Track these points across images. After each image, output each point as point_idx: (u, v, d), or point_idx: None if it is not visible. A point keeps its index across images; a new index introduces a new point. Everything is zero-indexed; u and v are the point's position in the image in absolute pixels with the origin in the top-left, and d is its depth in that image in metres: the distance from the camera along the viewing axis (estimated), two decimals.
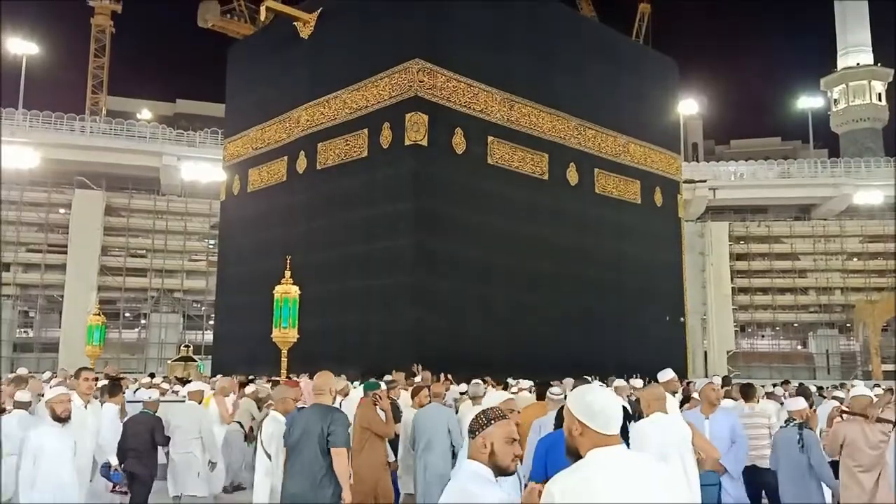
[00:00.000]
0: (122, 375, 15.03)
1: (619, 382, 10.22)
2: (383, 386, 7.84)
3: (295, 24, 23.94)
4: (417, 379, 11.55)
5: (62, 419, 5.70)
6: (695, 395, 8.52)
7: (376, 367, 15.00)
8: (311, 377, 12.90)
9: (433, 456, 6.88)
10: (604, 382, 14.58)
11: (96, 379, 7.40)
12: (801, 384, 13.23)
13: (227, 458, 9.39)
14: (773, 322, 44.53)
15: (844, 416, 6.27)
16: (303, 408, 6.01)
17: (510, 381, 13.60)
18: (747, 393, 7.97)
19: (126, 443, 7.15)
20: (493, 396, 7.68)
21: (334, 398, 6.77)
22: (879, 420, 5.83)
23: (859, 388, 7.11)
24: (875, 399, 6.55)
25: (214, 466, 8.05)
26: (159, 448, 7.58)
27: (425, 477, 6.88)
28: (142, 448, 7.19)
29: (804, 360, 43.59)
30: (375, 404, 7.04)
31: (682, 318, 28.22)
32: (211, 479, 8.11)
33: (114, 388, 7.94)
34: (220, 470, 8.44)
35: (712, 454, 5.68)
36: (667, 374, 8.17)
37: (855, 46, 55.59)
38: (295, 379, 12.86)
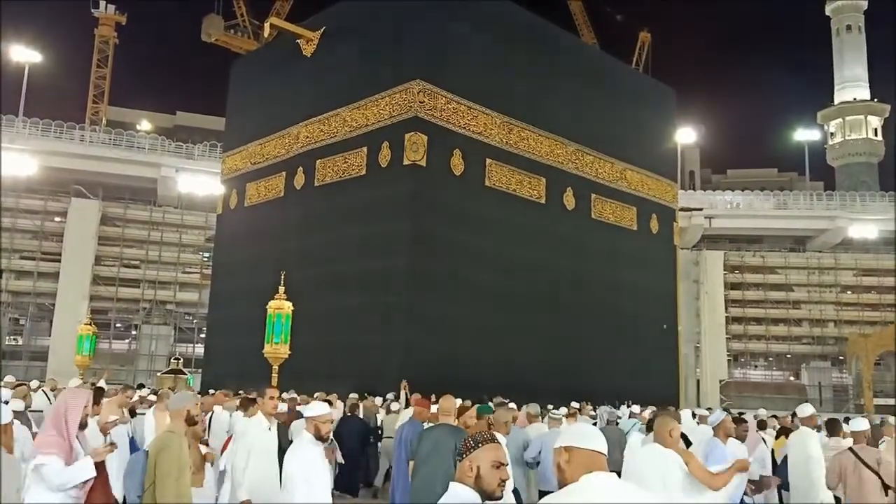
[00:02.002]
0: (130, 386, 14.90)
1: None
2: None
3: (298, 41, 24.11)
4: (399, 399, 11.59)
5: (324, 439, 5.39)
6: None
7: (367, 385, 14.95)
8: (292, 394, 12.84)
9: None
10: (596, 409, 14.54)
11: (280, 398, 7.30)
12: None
13: None
14: (767, 352, 44.50)
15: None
16: (435, 426, 6.28)
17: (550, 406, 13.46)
18: (832, 427, 8.06)
19: None
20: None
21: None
22: None
23: (860, 421, 7.13)
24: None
25: None
26: None
27: None
28: None
29: (797, 392, 43.48)
30: (490, 426, 6.97)
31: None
32: None
33: (249, 403, 7.94)
34: None
35: (710, 482, 5.62)
36: (806, 410, 7.84)
37: (852, 81, 56.17)
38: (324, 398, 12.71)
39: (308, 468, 5.17)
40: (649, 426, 7.29)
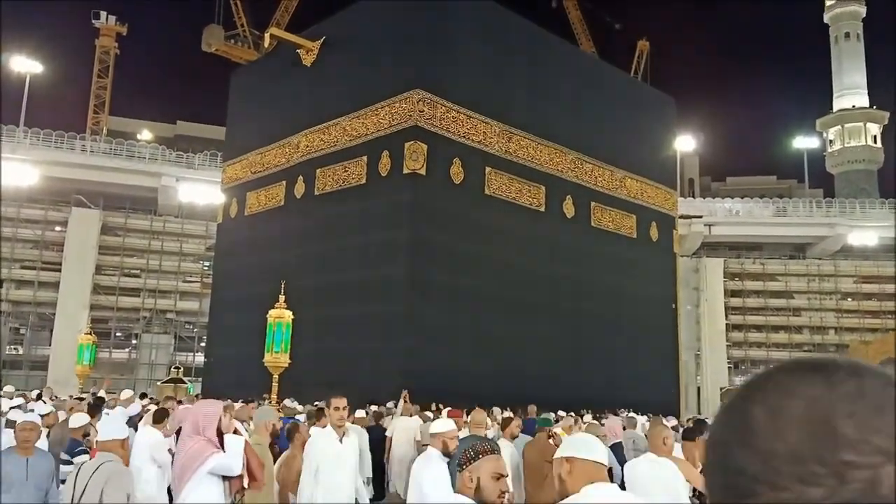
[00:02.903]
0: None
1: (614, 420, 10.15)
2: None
3: (298, 51, 24.20)
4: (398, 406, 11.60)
5: (451, 455, 5.43)
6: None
7: (367, 394, 14.93)
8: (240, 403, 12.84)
9: None
10: (598, 417, 14.52)
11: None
12: None
13: None
14: (767, 360, 44.37)
15: None
16: (466, 437, 6.31)
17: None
18: None
19: None
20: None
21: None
22: None
23: None
24: None
25: None
26: None
27: None
28: None
29: None
30: (550, 438, 6.96)
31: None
32: None
33: (319, 413, 7.89)
34: None
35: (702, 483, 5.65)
36: None
37: (851, 89, 56.31)
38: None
39: (441, 485, 4.94)
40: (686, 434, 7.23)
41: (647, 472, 5.14)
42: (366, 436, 10.16)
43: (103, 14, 50.94)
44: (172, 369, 30.83)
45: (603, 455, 2.57)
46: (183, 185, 38.47)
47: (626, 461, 6.02)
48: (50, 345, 35.88)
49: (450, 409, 11.00)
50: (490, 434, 6.78)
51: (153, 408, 9.28)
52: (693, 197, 49.15)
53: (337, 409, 5.85)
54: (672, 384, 27.38)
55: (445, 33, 21.23)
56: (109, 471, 4.31)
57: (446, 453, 5.08)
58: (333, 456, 5.78)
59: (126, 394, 13.46)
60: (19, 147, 36.08)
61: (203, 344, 34.07)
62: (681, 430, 8.44)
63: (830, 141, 56.40)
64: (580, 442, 2.63)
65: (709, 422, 7.79)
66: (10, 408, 9.23)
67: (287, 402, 13.95)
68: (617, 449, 6.53)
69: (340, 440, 5.86)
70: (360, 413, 11.89)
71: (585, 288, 24.00)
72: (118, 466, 4.55)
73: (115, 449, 4.67)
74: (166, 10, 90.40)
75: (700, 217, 42.31)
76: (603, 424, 9.31)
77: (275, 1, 50.38)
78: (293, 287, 15.95)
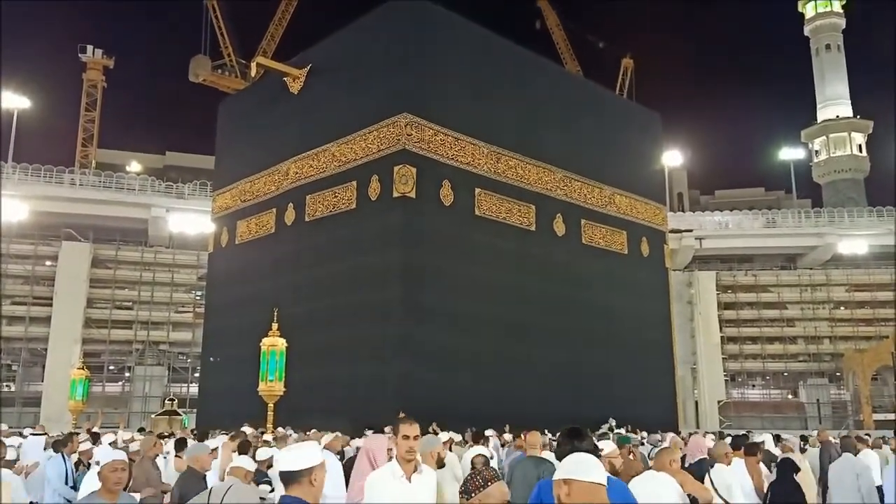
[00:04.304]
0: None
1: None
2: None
3: (285, 79, 24.33)
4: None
5: (617, 474, 5.30)
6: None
7: (363, 419, 14.84)
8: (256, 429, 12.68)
9: None
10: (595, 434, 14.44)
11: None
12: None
13: None
14: (763, 371, 44.47)
15: None
16: (524, 458, 6.53)
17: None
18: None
19: None
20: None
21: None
22: None
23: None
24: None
25: None
26: None
27: None
28: None
29: (795, 410, 43.39)
30: (630, 454, 6.97)
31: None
32: None
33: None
34: None
35: (703, 495, 5.67)
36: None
37: (834, 99, 56.98)
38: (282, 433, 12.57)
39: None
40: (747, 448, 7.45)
41: (641, 488, 5.16)
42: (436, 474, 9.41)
43: (90, 48, 51.23)
44: (167, 401, 30.56)
45: (601, 475, 2.56)
46: (173, 215, 38.45)
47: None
48: (42, 380, 35.56)
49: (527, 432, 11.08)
50: (546, 455, 6.75)
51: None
52: (682, 211, 49.42)
53: (406, 437, 4.40)
54: (669, 399, 27.32)
55: (431, 57, 21.40)
56: (238, 488, 4.48)
57: (614, 473, 4.96)
58: (400, 499, 4.37)
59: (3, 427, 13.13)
60: (8, 182, 36.02)
61: (197, 374, 33.84)
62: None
63: (816, 151, 56.95)
64: (578, 463, 2.60)
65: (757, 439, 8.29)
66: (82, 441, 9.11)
67: (280, 430, 13.82)
68: (702, 465, 6.72)
69: (409, 479, 4.43)
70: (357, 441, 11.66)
71: (579, 305, 24.00)
72: (243, 485, 4.73)
73: (241, 475, 5.25)
74: (153, 41, 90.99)
75: (690, 231, 42.53)
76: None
77: (261, 30, 50.80)
78: (286, 314, 15.90)
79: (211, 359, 27.04)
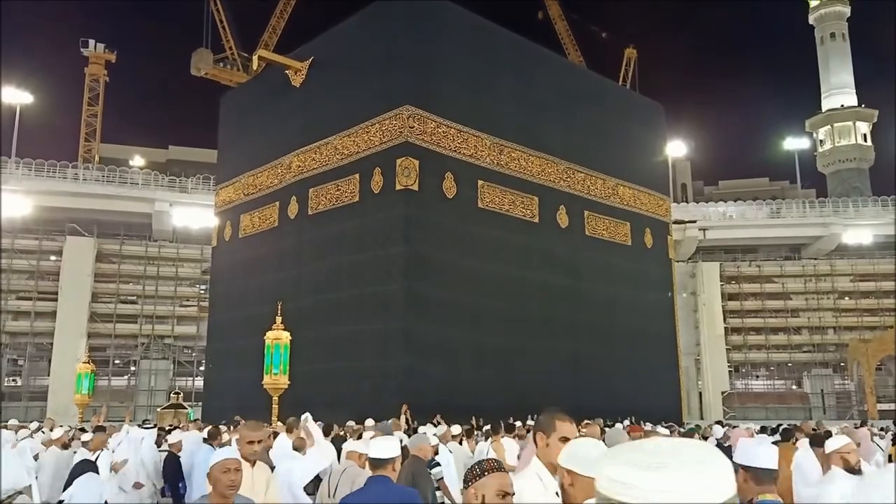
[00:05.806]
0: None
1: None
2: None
3: (287, 72, 24.29)
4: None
5: (853, 470, 4.94)
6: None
7: (367, 412, 14.87)
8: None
9: None
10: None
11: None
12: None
13: None
14: (767, 362, 44.39)
15: None
16: None
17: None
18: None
19: None
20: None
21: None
22: None
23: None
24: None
25: None
26: None
27: None
28: None
29: (800, 401, 43.34)
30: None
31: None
32: None
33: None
34: None
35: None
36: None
37: (838, 88, 56.67)
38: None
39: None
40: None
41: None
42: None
43: (92, 42, 51.16)
44: (172, 395, 30.71)
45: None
46: (176, 209, 38.48)
47: None
48: (48, 375, 35.70)
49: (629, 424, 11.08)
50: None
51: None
52: (686, 202, 49.27)
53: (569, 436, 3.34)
54: (673, 390, 27.34)
55: (433, 49, 21.34)
56: (351, 471, 5.26)
57: (849, 469, 4.81)
58: None
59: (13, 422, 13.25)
60: (12, 178, 36.07)
61: (202, 368, 33.95)
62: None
63: (821, 141, 56.69)
64: (581, 457, 2.53)
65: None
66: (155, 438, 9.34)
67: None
68: None
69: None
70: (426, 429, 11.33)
71: (583, 297, 24.00)
72: (356, 468, 5.40)
73: (356, 459, 5.57)
74: (155, 35, 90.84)
75: (694, 222, 42.38)
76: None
77: (262, 23, 50.69)
78: (290, 308, 15.95)
79: (210, 365, 27.26)
